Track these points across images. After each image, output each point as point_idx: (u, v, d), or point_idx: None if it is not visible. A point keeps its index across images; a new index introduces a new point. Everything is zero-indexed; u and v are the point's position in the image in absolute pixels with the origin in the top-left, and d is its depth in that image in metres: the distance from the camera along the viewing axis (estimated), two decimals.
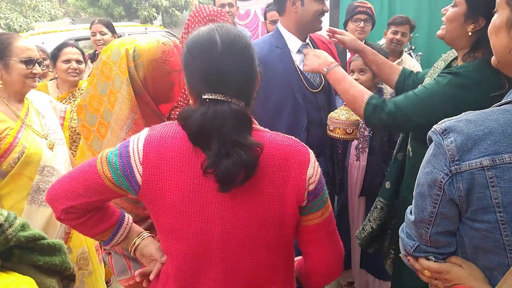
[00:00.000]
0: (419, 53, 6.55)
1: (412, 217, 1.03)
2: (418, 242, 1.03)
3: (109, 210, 1.20)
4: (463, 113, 0.93)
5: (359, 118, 2.04)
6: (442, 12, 1.49)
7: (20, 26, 11.22)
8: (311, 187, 1.01)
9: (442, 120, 0.94)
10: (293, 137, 1.05)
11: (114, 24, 7.43)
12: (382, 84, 2.47)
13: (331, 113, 2.06)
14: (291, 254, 1.16)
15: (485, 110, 0.91)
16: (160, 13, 12.27)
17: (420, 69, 3.36)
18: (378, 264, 2.48)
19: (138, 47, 1.45)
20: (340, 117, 2.00)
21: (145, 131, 1.04)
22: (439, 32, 1.49)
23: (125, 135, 1.43)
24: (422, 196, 0.97)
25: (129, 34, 6.51)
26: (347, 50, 3.17)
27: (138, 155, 1.00)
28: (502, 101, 0.92)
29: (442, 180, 0.91)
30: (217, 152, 0.92)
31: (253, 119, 1.03)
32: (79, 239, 2.08)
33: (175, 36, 7.81)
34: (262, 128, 1.05)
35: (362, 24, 3.04)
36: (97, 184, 1.03)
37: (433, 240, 0.99)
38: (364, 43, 3.13)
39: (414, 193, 1.02)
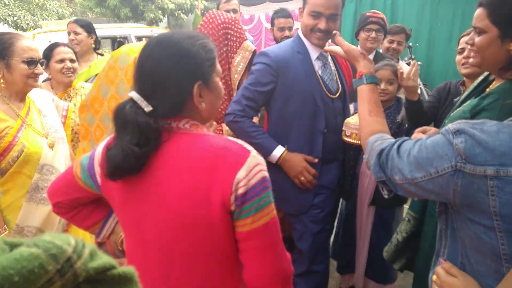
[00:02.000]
0: (419, 62, 6.57)
1: (397, 159, 1.06)
2: (385, 179, 1.10)
3: (99, 206, 1.31)
4: (481, 120, 0.96)
5: None
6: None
7: (28, 24, 11.30)
8: (241, 191, 0.95)
9: (458, 121, 0.98)
10: (238, 141, 1.01)
11: (120, 25, 7.51)
12: (401, 93, 2.50)
13: (348, 119, 2.10)
14: (232, 264, 1.07)
15: (502, 122, 0.94)
16: (166, 15, 12.34)
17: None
18: (380, 268, 2.50)
19: None
20: (357, 122, 2.02)
21: (112, 135, 1.12)
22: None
23: None
24: (418, 165, 1.00)
25: (135, 36, 6.58)
26: None
27: (99, 157, 1.10)
28: None
29: (446, 169, 0.94)
30: (113, 142, 1.01)
31: (194, 122, 1.04)
32: (77, 236, 2.11)
33: None
34: (201, 131, 1.03)
35: (373, 34, 3.05)
36: (73, 183, 1.17)
37: (403, 186, 1.06)
38: (376, 53, 3.19)
39: (414, 151, 1.03)
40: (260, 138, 2.05)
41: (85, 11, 14.74)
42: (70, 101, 2.61)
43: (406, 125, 2.37)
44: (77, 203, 1.24)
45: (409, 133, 2.37)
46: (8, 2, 11.38)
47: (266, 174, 1.00)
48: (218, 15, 2.13)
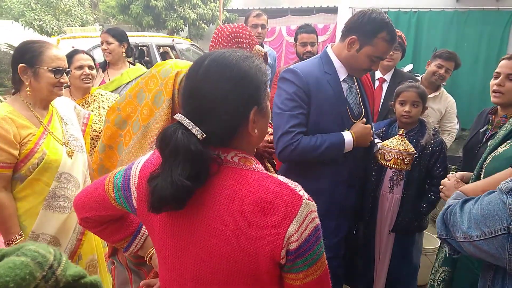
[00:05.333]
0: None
1: (459, 215, 1.02)
2: (447, 237, 1.06)
3: (127, 220, 1.27)
4: None
5: (414, 149, 2.06)
6: None
7: (52, 29, 11.55)
8: (293, 246, 0.86)
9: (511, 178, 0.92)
10: (290, 183, 0.91)
11: (142, 34, 7.61)
12: (424, 116, 2.45)
13: (385, 142, 2.06)
14: None
15: None
16: (187, 25, 12.48)
17: (455, 106, 3.29)
18: None
19: None
20: (399, 147, 1.99)
21: (147, 155, 1.07)
22: None
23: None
24: (475, 223, 0.96)
25: (156, 45, 6.65)
26: (376, 78, 3.16)
27: (135, 179, 1.02)
28: None
29: (499, 231, 0.89)
30: (157, 170, 0.91)
31: (243, 154, 0.96)
32: (90, 246, 2.11)
33: (200, 48, 7.93)
34: (253, 167, 0.95)
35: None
36: (104, 201, 1.09)
37: (464, 245, 1.01)
38: (395, 70, 3.14)
39: (473, 208, 0.99)
40: (325, 142, 1.90)
41: (108, 17, 15.03)
42: (88, 107, 2.64)
43: (430, 148, 2.31)
44: (106, 219, 1.18)
45: (432, 157, 2.30)
46: (35, 7, 11.67)
47: (318, 221, 0.91)
48: (225, 27, 2.13)
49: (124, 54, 3.29)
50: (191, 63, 1.53)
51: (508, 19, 7.06)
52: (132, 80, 3.17)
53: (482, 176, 1.42)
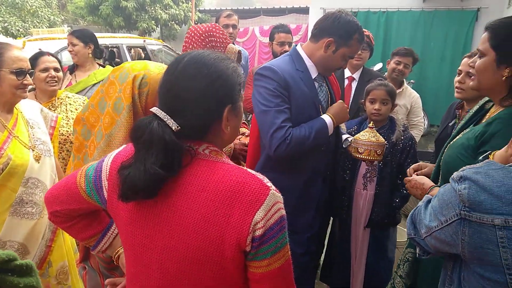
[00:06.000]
0: (411, 80, 6.70)
1: (423, 212, 1.06)
2: (415, 236, 1.10)
3: (98, 217, 1.27)
4: (486, 162, 0.93)
5: (384, 140, 2.13)
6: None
7: (18, 30, 11.19)
8: (258, 232, 0.89)
9: (464, 167, 0.95)
10: (258, 175, 0.96)
11: (113, 35, 7.47)
12: (393, 113, 2.51)
13: (357, 135, 2.12)
14: None
15: (509, 166, 0.89)
16: (159, 26, 12.35)
17: (419, 100, 3.39)
18: None
19: (147, 76, 1.44)
20: (370, 139, 2.06)
21: (119, 148, 1.09)
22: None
23: None
24: (434, 214, 1.00)
25: (127, 46, 6.54)
26: (345, 76, 3.22)
27: (106, 171, 1.05)
28: None
29: (453, 218, 0.92)
30: (129, 160, 0.95)
31: (214, 148, 1.00)
32: (60, 252, 2.05)
33: (172, 49, 7.86)
34: (223, 160, 0.99)
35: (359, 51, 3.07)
36: (75, 193, 1.11)
37: (427, 240, 1.04)
38: (363, 69, 3.20)
39: (433, 201, 1.03)
40: (312, 130, 1.92)
41: (77, 19, 14.69)
42: (54, 111, 2.56)
43: (401, 144, 2.36)
44: (76, 213, 1.19)
45: (403, 153, 2.36)
46: (0, 8, 11.28)
47: (283, 212, 0.95)
48: (199, 27, 2.14)
49: (91, 55, 3.22)
50: (150, 63, 1.52)
51: (472, 18, 7.33)
52: (99, 82, 3.10)
53: (441, 164, 1.49)
